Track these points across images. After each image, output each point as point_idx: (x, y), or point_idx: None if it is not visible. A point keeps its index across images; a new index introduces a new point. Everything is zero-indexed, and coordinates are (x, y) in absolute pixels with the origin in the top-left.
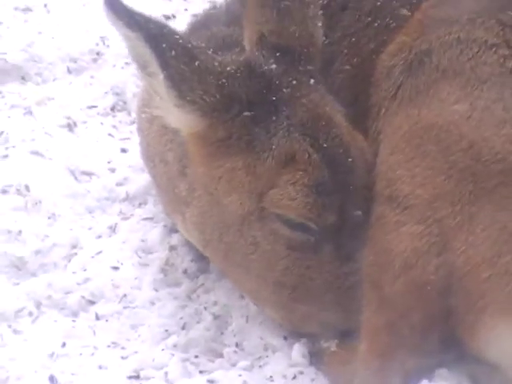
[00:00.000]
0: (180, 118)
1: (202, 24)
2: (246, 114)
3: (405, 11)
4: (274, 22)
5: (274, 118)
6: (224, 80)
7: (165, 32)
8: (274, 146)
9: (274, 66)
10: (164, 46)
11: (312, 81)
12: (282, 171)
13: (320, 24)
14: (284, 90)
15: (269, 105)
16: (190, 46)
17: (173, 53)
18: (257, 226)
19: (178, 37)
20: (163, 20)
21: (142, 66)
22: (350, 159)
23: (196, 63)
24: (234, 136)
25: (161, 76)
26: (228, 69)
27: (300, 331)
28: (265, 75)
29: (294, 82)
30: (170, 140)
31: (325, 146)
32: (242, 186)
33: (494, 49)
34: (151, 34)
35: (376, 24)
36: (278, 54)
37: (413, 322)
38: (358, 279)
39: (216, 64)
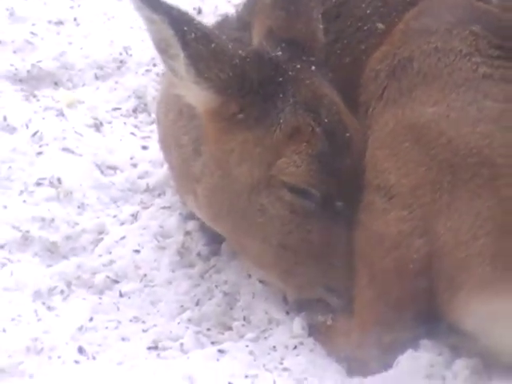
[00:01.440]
0: (197, 95)
1: (216, 28)
2: (256, 91)
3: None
4: (282, 19)
5: (280, 95)
6: (237, 61)
7: (185, 17)
8: (281, 121)
9: (280, 53)
10: (185, 28)
11: (313, 67)
12: (289, 142)
13: (321, 26)
14: (289, 72)
15: (276, 85)
16: (207, 30)
17: (192, 35)
18: (264, 193)
19: (196, 22)
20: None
21: (164, 50)
22: (347, 134)
23: (212, 45)
24: (245, 112)
25: (181, 55)
26: (240, 52)
27: (301, 296)
28: (272, 60)
29: (298, 67)
30: (184, 125)
31: (326, 121)
32: (252, 157)
33: (468, 57)
34: (174, 18)
35: (366, 28)
36: (283, 45)
37: (398, 294)
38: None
39: (230, 47)
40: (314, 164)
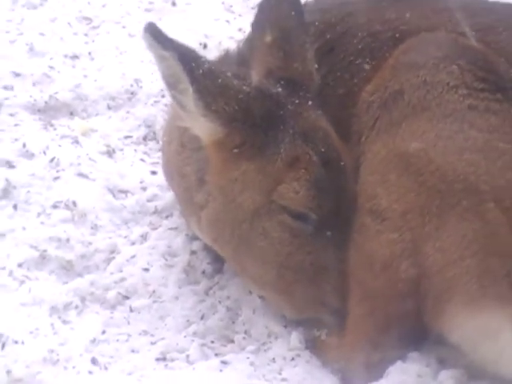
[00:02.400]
0: (204, 127)
1: (218, 63)
2: (259, 124)
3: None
4: (280, 59)
5: (281, 128)
6: (241, 96)
7: (193, 54)
8: (281, 150)
9: (280, 90)
10: (193, 64)
11: (310, 102)
12: (288, 170)
13: (315, 66)
14: (289, 107)
15: (277, 118)
16: (213, 66)
17: (200, 71)
18: (266, 217)
19: (203, 58)
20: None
21: (173, 85)
22: (341, 163)
23: (219, 80)
24: (248, 143)
25: (190, 90)
26: (244, 88)
27: (300, 315)
28: (273, 95)
29: (297, 101)
30: (187, 157)
31: (322, 150)
32: (255, 184)
33: (454, 89)
34: (183, 55)
35: (357, 62)
36: (282, 82)
37: (389, 312)
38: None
39: (235, 83)
40: (311, 190)
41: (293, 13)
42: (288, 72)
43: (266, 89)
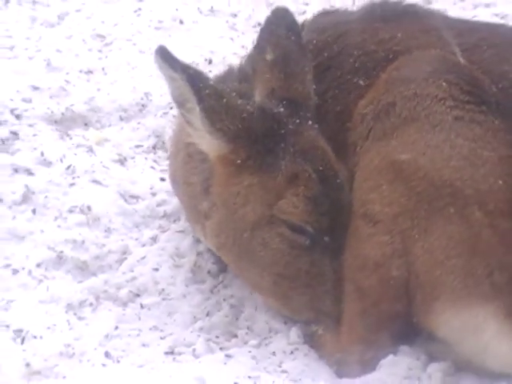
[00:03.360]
0: (210, 143)
1: (221, 79)
2: (262, 141)
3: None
4: (282, 80)
5: (282, 146)
6: (245, 115)
7: (201, 76)
8: (282, 167)
9: (281, 109)
10: (200, 85)
11: (310, 122)
12: (288, 186)
13: (314, 86)
14: (290, 126)
15: (278, 136)
16: (219, 87)
17: (207, 91)
18: (266, 229)
19: (210, 80)
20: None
21: (181, 104)
22: (338, 180)
23: (224, 100)
24: (251, 159)
25: (197, 109)
26: (248, 107)
27: (297, 318)
28: (275, 115)
29: (297, 121)
30: (194, 167)
31: (320, 168)
32: (256, 199)
33: (442, 101)
34: (191, 76)
35: (354, 80)
36: (284, 103)
37: (381, 309)
38: (343, 274)
39: (239, 102)
40: (310, 205)
41: (292, 36)
42: (289, 92)
43: (268, 108)
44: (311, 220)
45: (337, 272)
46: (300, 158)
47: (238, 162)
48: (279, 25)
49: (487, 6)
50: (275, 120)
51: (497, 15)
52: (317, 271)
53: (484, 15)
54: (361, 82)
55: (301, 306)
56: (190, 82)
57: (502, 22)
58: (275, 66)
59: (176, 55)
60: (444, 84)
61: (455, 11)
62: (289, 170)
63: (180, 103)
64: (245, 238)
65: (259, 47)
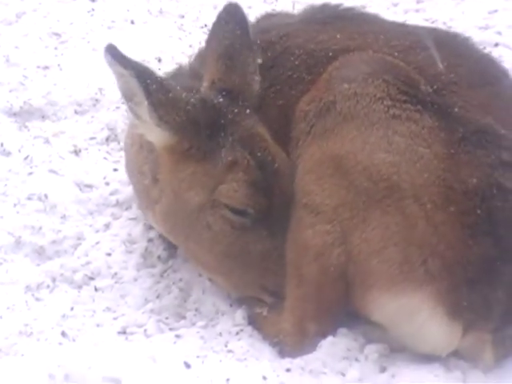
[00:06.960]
0: (158, 135)
1: (172, 76)
2: (204, 131)
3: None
4: (222, 72)
5: (222, 135)
6: (189, 107)
7: (148, 71)
8: (222, 155)
9: (221, 100)
10: (148, 81)
11: (248, 111)
12: (228, 172)
13: (257, 78)
14: (229, 116)
15: (218, 126)
16: (165, 82)
17: (154, 86)
18: (209, 212)
19: (157, 75)
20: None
21: (130, 98)
22: (276, 165)
23: (170, 94)
24: (195, 148)
25: (145, 103)
26: (191, 100)
27: (241, 294)
28: (215, 106)
29: (236, 111)
30: (145, 157)
31: (258, 154)
32: (200, 184)
33: (380, 100)
34: (139, 72)
35: (295, 76)
36: (223, 93)
37: (322, 294)
38: (283, 251)
39: (183, 96)
40: (249, 189)
41: (238, 31)
42: (227, 83)
43: (209, 100)
44: (251, 203)
45: (278, 250)
46: (239, 146)
47: (183, 151)
48: (229, 20)
49: (417, 11)
50: (215, 111)
51: (427, 20)
52: (258, 250)
53: (415, 20)
54: (302, 77)
55: (244, 283)
56: (138, 77)
57: (432, 26)
58: (219, 58)
59: (125, 53)
60: (382, 84)
61: (388, 16)
62: (228, 157)
63: (128, 97)
64: (191, 221)
65: (209, 44)
